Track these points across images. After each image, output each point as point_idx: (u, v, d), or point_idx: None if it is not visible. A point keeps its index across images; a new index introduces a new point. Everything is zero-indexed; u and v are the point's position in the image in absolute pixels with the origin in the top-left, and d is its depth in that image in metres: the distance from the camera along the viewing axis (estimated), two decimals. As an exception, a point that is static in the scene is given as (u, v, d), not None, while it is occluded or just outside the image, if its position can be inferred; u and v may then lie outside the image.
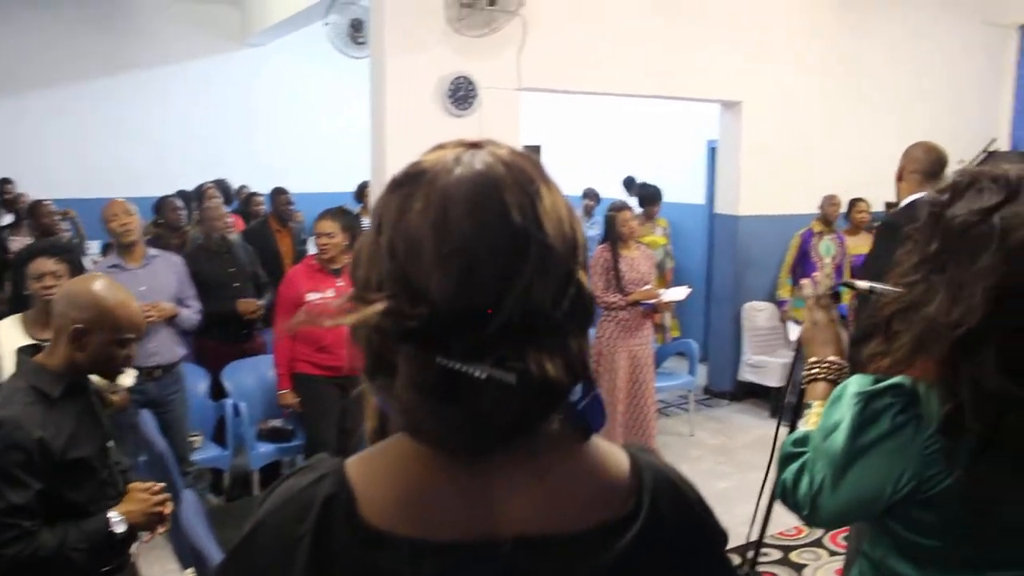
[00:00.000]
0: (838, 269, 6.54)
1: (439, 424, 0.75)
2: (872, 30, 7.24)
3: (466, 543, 0.78)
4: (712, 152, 7.66)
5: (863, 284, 1.66)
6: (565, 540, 0.79)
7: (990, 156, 7.90)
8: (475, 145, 0.81)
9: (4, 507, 1.94)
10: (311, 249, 5.45)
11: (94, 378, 2.27)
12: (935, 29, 7.60)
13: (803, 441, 1.49)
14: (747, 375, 6.92)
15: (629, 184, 8.87)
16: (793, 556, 4.33)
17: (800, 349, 1.76)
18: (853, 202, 6.74)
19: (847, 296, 2.16)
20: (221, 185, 7.85)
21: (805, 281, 1.81)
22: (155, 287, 4.18)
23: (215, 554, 2.37)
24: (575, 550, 0.79)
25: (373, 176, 5.53)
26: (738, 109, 6.70)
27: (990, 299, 1.14)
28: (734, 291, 6.96)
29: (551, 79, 5.73)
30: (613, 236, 5.31)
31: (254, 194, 8.04)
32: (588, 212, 8.83)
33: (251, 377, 4.96)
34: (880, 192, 6.29)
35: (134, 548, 2.31)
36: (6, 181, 8.21)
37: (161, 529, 2.30)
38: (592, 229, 7.74)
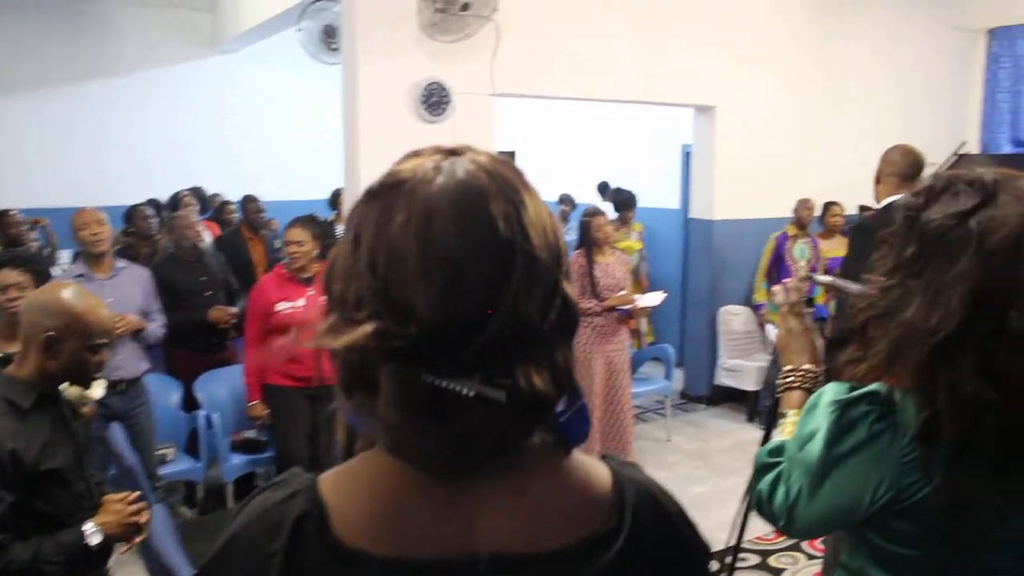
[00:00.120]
0: (812, 273, 6.55)
1: (424, 442, 0.72)
2: (844, 35, 7.29)
3: (443, 561, 0.75)
4: (687, 157, 7.69)
5: (824, 278, 1.65)
6: (545, 558, 0.77)
7: (961, 159, 7.98)
8: (454, 152, 0.78)
9: None
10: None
11: (66, 390, 2.26)
12: (906, 34, 7.67)
13: (778, 451, 1.47)
14: (723, 379, 6.93)
15: (603, 189, 8.88)
16: (771, 561, 4.33)
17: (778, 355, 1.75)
18: (827, 206, 6.78)
19: (821, 298, 2.16)
20: (197, 193, 7.80)
21: (777, 288, 1.80)
22: (121, 299, 4.12)
23: (185, 570, 2.33)
24: (555, 568, 0.77)
25: (346, 183, 5.49)
26: (712, 114, 6.72)
27: (968, 303, 1.13)
28: (710, 295, 6.98)
29: (525, 84, 5.72)
30: (588, 242, 5.30)
31: (227, 202, 7.97)
32: (564, 218, 8.83)
33: (224, 388, 4.90)
34: (854, 196, 6.33)
35: (111, 561, 2.29)
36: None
37: (137, 539, 2.29)
38: (568, 235, 7.73)
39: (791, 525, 1.36)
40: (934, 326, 1.15)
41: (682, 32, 6.35)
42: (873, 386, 1.26)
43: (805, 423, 1.34)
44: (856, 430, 1.25)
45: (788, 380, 1.63)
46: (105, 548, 2.18)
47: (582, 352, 5.27)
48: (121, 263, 4.36)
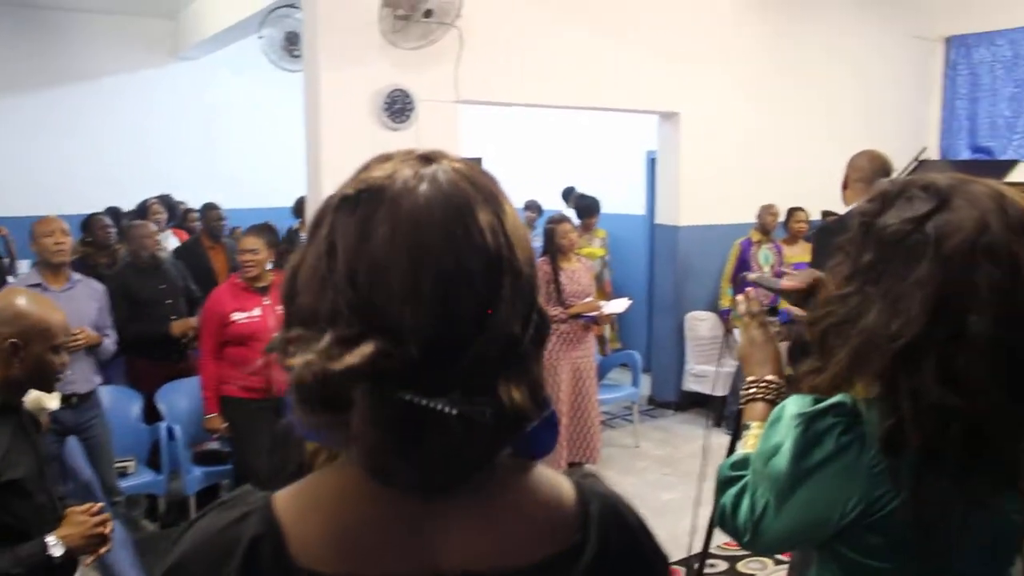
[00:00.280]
0: (776, 277, 6.59)
1: (401, 461, 0.69)
2: (806, 43, 7.36)
3: None
4: (652, 163, 7.71)
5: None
6: (512, 575, 0.75)
7: (921, 164, 8.08)
8: (428, 157, 0.75)
9: None
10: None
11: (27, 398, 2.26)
12: (867, 42, 7.77)
13: (741, 464, 1.44)
14: (691, 385, 6.95)
15: (567, 195, 8.88)
16: (740, 566, 4.33)
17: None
18: (791, 211, 6.83)
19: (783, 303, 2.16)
20: (165, 201, 7.69)
21: (739, 297, 1.79)
22: (75, 313, 4.02)
23: (142, 584, 2.29)
24: None
25: (309, 192, 5.44)
26: (676, 120, 6.75)
27: (928, 309, 1.12)
28: (676, 301, 7.00)
29: (489, 91, 5.70)
30: (553, 249, 5.30)
31: (190, 210, 7.88)
32: (530, 224, 8.81)
33: (185, 399, 4.81)
34: (818, 201, 6.38)
35: (77, 575, 2.27)
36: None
37: (103, 550, 2.28)
38: (533, 241, 7.72)
39: (756, 540, 1.34)
40: (895, 332, 1.14)
41: (646, 39, 6.37)
42: (838, 397, 1.24)
43: (769, 436, 1.32)
44: (823, 443, 1.23)
45: (751, 391, 1.61)
46: (69, 561, 2.16)
47: (548, 359, 5.25)
48: (76, 276, 4.28)
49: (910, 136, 8.03)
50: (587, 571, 0.78)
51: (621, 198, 8.52)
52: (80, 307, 4.11)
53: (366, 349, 0.66)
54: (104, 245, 5.78)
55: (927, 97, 8.54)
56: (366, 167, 0.76)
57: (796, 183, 6.89)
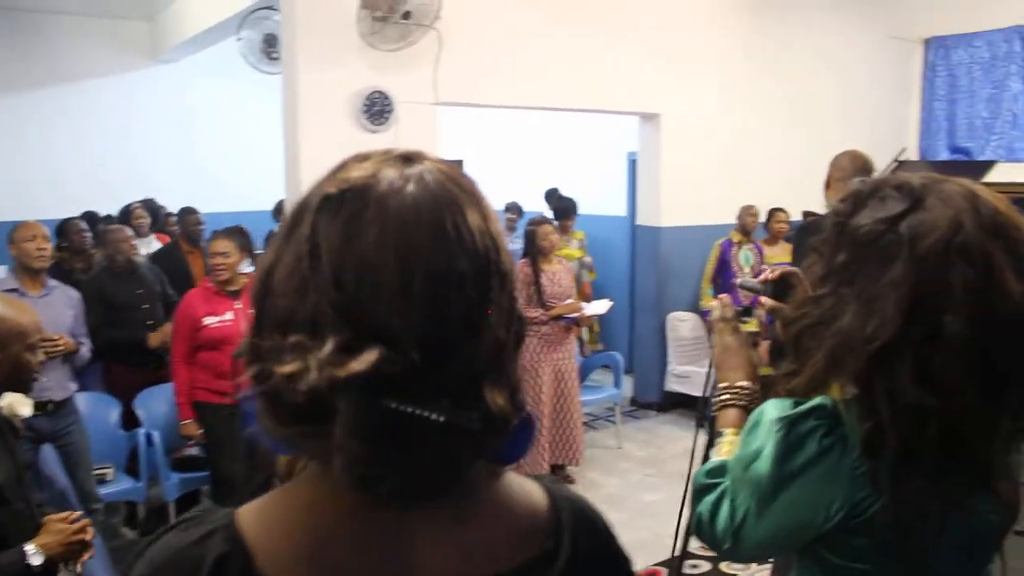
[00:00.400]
0: (756, 278, 6.60)
1: (389, 472, 0.66)
2: (786, 44, 7.40)
3: None
4: (633, 164, 7.72)
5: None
6: None
7: (901, 165, 8.15)
8: (407, 158, 0.74)
9: None
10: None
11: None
12: (847, 43, 7.81)
13: (718, 471, 1.42)
14: (673, 385, 6.96)
15: (550, 196, 8.87)
16: (723, 567, 4.33)
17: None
18: (772, 212, 6.85)
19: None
20: (148, 205, 7.62)
21: (714, 303, 1.78)
22: (52, 319, 3.98)
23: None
24: None
25: (287, 195, 5.41)
26: (657, 121, 6.76)
27: (903, 310, 1.12)
28: (658, 302, 7.00)
29: (469, 93, 5.69)
30: (534, 251, 5.29)
31: (169, 214, 7.82)
32: (510, 226, 8.78)
33: (164, 404, 4.76)
34: (798, 202, 6.40)
35: None
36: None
37: (86, 556, 2.26)
38: (514, 243, 7.69)
39: (737, 547, 1.31)
40: (870, 334, 1.13)
41: (626, 40, 6.38)
42: (818, 400, 1.23)
43: (748, 442, 1.29)
44: (806, 447, 1.21)
45: (724, 398, 1.60)
46: (49, 569, 2.14)
47: (530, 361, 5.25)
48: (53, 282, 4.25)
49: (890, 137, 8.09)
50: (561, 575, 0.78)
51: (602, 199, 8.53)
52: (57, 314, 4.08)
53: (371, 355, 0.64)
54: (80, 250, 5.73)
55: (906, 98, 8.60)
56: (343, 167, 0.74)
57: (777, 184, 6.91)
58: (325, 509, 0.71)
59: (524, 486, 0.82)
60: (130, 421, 4.74)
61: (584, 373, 6.23)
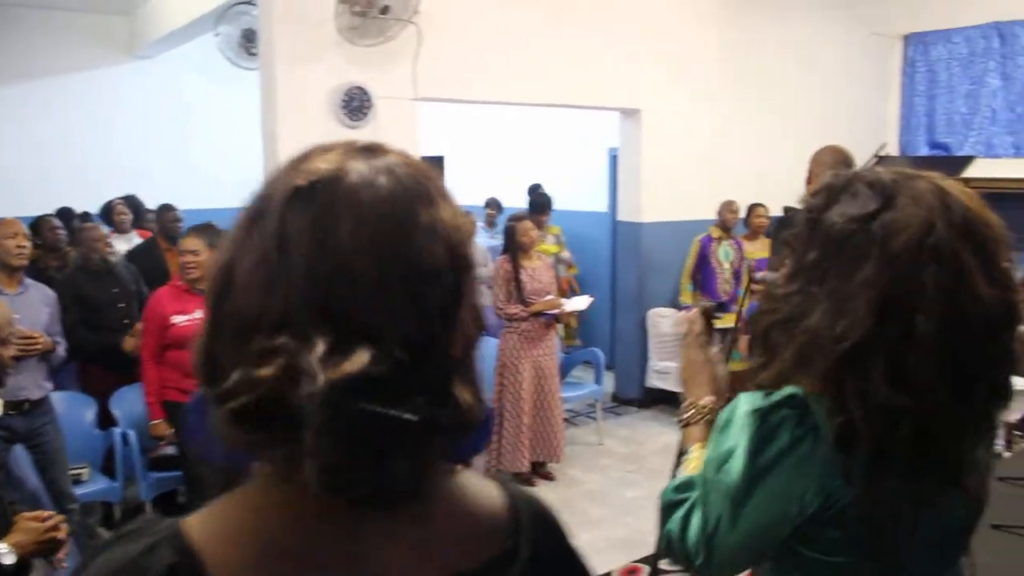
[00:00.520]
0: (736, 274, 6.64)
1: (362, 476, 0.64)
2: (767, 40, 7.41)
3: None
4: (614, 160, 7.71)
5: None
6: None
7: (881, 160, 8.17)
8: (371, 149, 0.72)
9: None
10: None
11: None
12: (827, 39, 7.83)
13: (686, 486, 1.38)
14: (654, 381, 6.96)
15: (533, 192, 8.83)
16: (701, 563, 4.32)
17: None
18: (752, 207, 6.85)
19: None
20: (131, 202, 7.53)
21: (680, 317, 1.77)
22: (28, 317, 3.96)
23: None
24: None
25: (266, 190, 5.35)
26: (637, 117, 6.76)
27: (875, 310, 1.11)
28: (639, 298, 7.01)
29: (448, 89, 5.66)
30: (513, 247, 5.27)
31: (148, 210, 7.73)
32: (490, 222, 8.76)
33: (140, 404, 4.69)
34: (779, 198, 6.40)
35: None
36: None
37: (61, 555, 2.24)
38: (494, 239, 7.67)
39: (710, 559, 1.26)
40: (841, 333, 1.13)
41: (606, 36, 6.37)
42: (789, 389, 1.21)
43: (721, 441, 1.26)
44: (779, 437, 1.19)
45: (688, 415, 1.57)
46: (22, 568, 2.12)
47: (510, 358, 5.24)
48: (29, 281, 4.22)
49: (870, 132, 8.10)
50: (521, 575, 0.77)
51: (583, 195, 8.52)
52: (33, 312, 4.05)
53: (363, 356, 0.61)
54: (54, 247, 5.66)
55: (886, 94, 8.64)
56: (306, 158, 0.71)
57: (757, 179, 6.92)
58: (280, 514, 0.69)
59: (481, 486, 0.81)
60: (106, 420, 4.69)
61: (565, 369, 6.23)
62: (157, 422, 4.29)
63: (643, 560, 4.25)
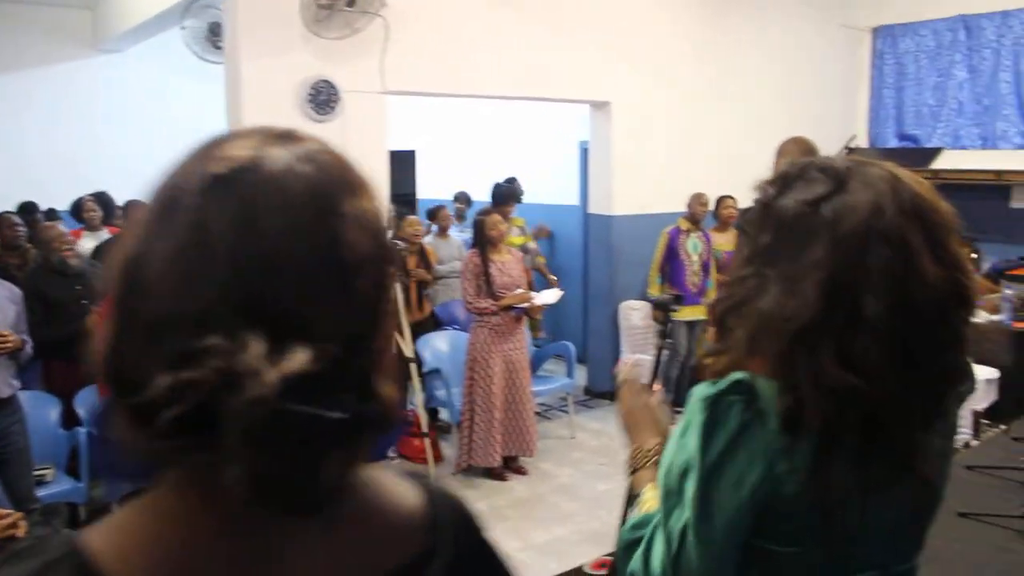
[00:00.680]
0: (705, 266, 6.65)
1: (287, 481, 0.60)
2: (736, 32, 7.43)
3: None
4: (585, 153, 7.71)
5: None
6: None
7: (850, 152, 8.23)
8: (287, 136, 0.68)
9: None
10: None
11: None
12: (795, 32, 7.87)
13: (642, 524, 1.33)
14: (626, 375, 6.95)
15: (498, 184, 8.77)
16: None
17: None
18: (720, 199, 6.87)
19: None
20: (101, 198, 7.42)
21: (620, 365, 1.75)
22: None
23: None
24: None
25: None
26: (607, 110, 6.75)
27: (824, 292, 1.11)
28: (610, 291, 7.01)
29: (417, 82, 5.62)
30: (482, 241, 5.25)
31: (116, 207, 7.63)
32: (460, 216, 8.71)
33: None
34: (748, 189, 6.41)
35: None
36: None
37: None
38: (464, 233, 7.63)
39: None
40: (790, 314, 1.12)
41: (575, 28, 6.36)
42: (735, 375, 1.20)
43: (683, 444, 1.21)
44: (728, 422, 1.18)
45: (635, 460, 1.54)
46: None
47: (480, 352, 5.22)
48: None
49: (840, 124, 8.18)
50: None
51: (555, 188, 8.50)
52: (0, 310, 3.97)
53: (303, 355, 0.58)
54: (13, 245, 5.55)
55: (856, 86, 8.71)
56: (218, 144, 0.67)
57: (727, 172, 6.92)
58: (188, 524, 0.65)
59: (396, 483, 0.79)
60: (70, 420, 4.63)
61: (536, 363, 6.22)
62: None
63: (614, 553, 4.24)
